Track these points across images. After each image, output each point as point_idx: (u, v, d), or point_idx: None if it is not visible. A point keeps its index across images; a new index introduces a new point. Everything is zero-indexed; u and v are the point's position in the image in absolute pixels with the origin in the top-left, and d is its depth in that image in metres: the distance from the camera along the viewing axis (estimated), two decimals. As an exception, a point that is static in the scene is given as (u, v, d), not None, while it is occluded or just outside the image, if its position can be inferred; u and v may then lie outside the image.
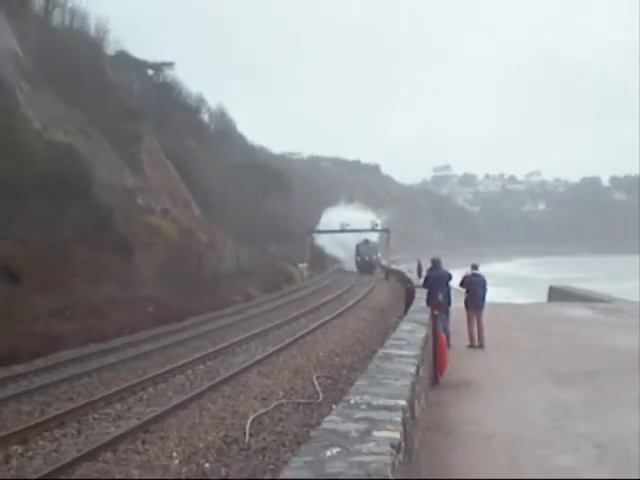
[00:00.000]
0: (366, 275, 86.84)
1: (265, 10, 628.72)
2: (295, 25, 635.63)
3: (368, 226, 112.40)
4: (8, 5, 60.91)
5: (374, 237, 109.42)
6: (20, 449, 14.76)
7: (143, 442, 15.11)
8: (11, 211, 35.48)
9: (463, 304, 22.39)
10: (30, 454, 14.50)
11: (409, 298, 28.46)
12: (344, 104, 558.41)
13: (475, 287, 22.43)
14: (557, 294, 44.45)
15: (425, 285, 23.17)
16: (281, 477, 5.12)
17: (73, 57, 63.98)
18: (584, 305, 35.17)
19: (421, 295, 24.65)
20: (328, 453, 5.59)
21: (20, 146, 42.11)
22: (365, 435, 6.21)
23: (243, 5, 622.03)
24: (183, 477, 12.99)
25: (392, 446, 5.90)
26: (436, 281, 22.15)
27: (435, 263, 23.11)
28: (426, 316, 18.69)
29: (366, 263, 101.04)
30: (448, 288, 22.29)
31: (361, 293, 55.76)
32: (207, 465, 13.65)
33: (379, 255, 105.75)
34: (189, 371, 23.22)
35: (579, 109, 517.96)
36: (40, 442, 15.31)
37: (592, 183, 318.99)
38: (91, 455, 13.99)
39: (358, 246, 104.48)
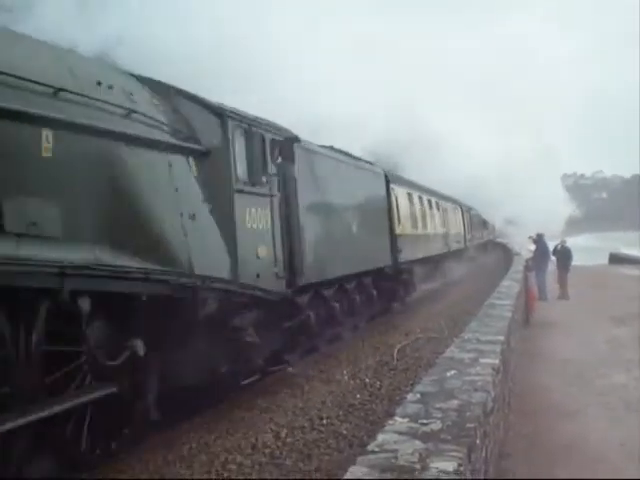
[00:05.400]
0: None
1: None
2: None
3: None
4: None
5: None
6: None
7: (324, 364, 15.36)
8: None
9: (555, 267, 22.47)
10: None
11: (509, 263, 28.17)
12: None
13: (563, 255, 22.31)
14: (615, 259, 43.41)
15: (535, 254, 22.91)
16: (415, 390, 5.21)
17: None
18: (635, 267, 34.07)
19: (518, 260, 24.32)
20: (448, 374, 5.65)
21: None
22: (474, 361, 6.23)
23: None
24: (350, 389, 13.08)
25: (493, 369, 5.92)
26: (541, 250, 22.41)
27: (539, 237, 23.06)
28: (520, 276, 18.37)
29: None
30: (548, 255, 22.48)
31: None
32: (367, 380, 13.79)
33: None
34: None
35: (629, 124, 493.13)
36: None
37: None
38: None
39: None
